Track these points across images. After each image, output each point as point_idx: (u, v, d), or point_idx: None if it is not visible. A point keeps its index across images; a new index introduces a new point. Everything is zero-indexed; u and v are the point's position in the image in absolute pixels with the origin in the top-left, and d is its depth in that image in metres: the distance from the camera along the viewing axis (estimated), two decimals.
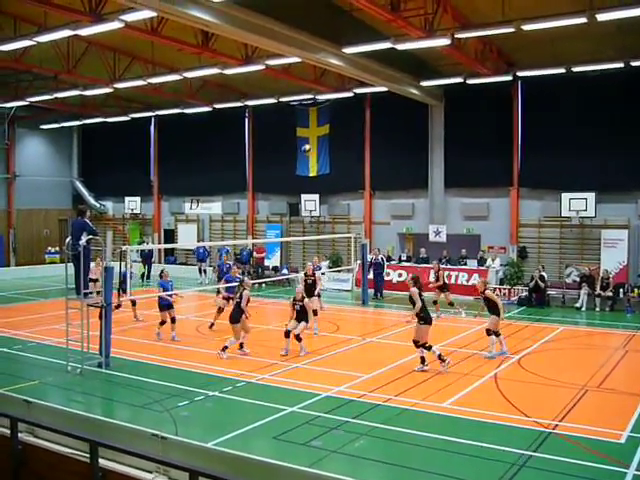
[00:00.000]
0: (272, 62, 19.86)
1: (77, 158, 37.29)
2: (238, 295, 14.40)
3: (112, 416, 10.16)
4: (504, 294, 22.73)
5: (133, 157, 34.23)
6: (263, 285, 26.54)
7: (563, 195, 22.45)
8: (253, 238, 30.47)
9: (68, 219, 33.50)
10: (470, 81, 21.87)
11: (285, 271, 27.55)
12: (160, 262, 32.17)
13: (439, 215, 25.57)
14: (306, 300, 14.66)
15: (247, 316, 14.44)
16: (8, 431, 5.84)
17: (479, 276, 22.57)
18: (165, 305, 15.87)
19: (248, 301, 14.28)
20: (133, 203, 34.67)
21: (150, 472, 5.16)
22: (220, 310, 17.12)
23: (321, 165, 28.18)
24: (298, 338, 14.27)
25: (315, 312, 17.04)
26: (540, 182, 23.46)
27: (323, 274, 25.58)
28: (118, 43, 21.30)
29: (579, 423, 9.90)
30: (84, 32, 16.30)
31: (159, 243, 34.03)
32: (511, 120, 23.97)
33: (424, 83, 22.82)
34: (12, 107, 30.82)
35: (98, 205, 36.10)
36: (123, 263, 15.40)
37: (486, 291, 14.76)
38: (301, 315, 14.45)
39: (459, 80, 21.93)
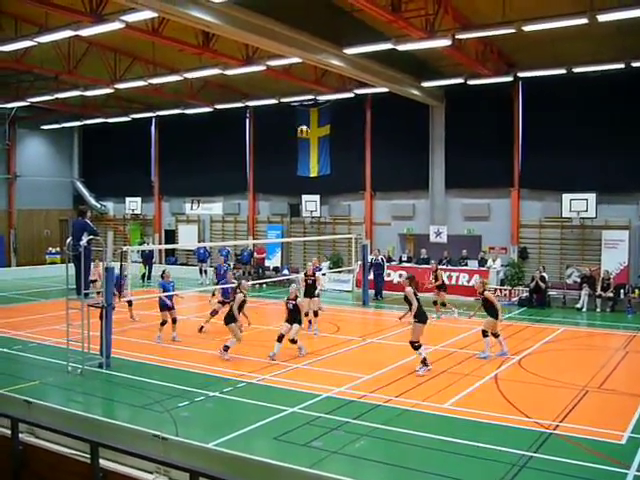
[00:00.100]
0: (273, 63, 19.87)
1: (78, 158, 37.35)
2: (231, 298, 14.37)
3: (113, 417, 10.15)
4: (505, 295, 22.75)
5: (134, 157, 34.24)
6: (264, 286, 26.55)
7: (564, 196, 22.45)
8: (254, 239, 30.48)
9: (69, 219, 33.49)
10: (471, 82, 21.86)
11: (286, 272, 27.54)
12: (161, 263, 32.18)
13: (440, 216, 25.56)
14: (299, 299, 14.41)
15: (249, 322, 14.40)
16: (9, 431, 5.84)
17: (479, 277, 22.58)
18: (166, 306, 15.87)
19: (241, 304, 14.09)
20: (134, 203, 34.69)
21: (151, 473, 5.16)
22: (214, 313, 17.09)
23: (322, 166, 28.20)
24: (293, 342, 14.11)
25: (316, 313, 17.05)
26: (541, 183, 23.47)
27: (324, 274, 25.60)
28: (119, 44, 21.32)
29: (580, 424, 9.90)
30: (85, 32, 16.31)
31: (160, 244, 34.04)
32: (512, 121, 23.98)
33: (425, 84, 22.83)
34: (13, 107, 30.84)
35: (99, 205, 36.12)
36: (118, 264, 15.32)
37: (485, 292, 14.73)
38: (293, 314, 14.19)
39: (460, 81, 21.93)
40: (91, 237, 13.53)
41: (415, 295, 12.96)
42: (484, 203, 24.82)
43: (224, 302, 16.83)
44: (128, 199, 34.82)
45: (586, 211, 22.08)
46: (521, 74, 21.93)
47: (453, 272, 23.79)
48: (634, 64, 19.62)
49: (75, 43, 20.37)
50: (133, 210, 34.81)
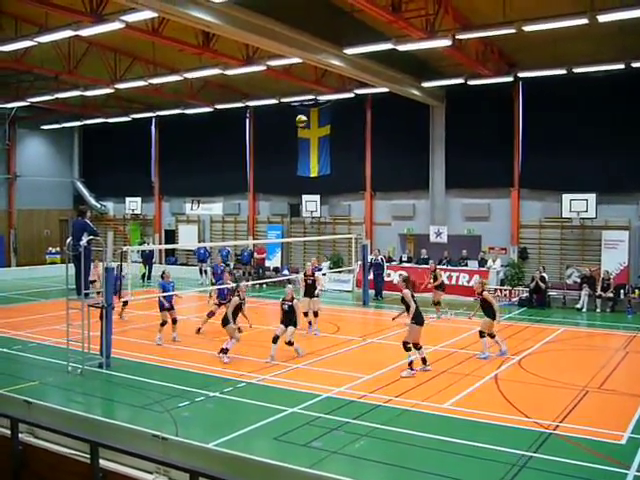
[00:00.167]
0: (273, 63, 19.87)
1: (78, 158, 37.36)
2: (228, 299, 14.32)
3: (113, 417, 10.16)
4: (505, 295, 22.75)
5: (134, 158, 34.24)
6: (264, 286, 26.55)
7: (564, 196, 22.45)
8: (254, 239, 30.48)
9: (69, 219, 33.50)
10: (471, 82, 21.85)
11: (286, 272, 27.54)
12: (161, 263, 32.18)
13: (440, 216, 25.56)
14: (295, 301, 14.27)
15: (250, 324, 14.35)
16: (9, 432, 5.84)
17: (479, 277, 22.57)
18: (165, 306, 15.84)
19: (238, 307, 13.97)
20: (134, 204, 34.69)
21: (150, 473, 5.15)
22: (210, 314, 17.09)
23: (322, 166, 28.20)
24: (290, 344, 14.02)
25: (316, 313, 17.03)
26: (541, 183, 23.47)
27: (324, 275, 25.59)
28: (119, 44, 21.32)
29: (580, 424, 9.90)
30: (85, 32, 16.31)
31: (160, 244, 34.03)
32: (512, 121, 23.98)
33: (425, 84, 22.82)
34: (13, 107, 30.84)
35: (99, 205, 36.12)
36: (117, 265, 15.30)
37: (483, 292, 14.70)
38: (289, 316, 14.05)
39: (460, 81, 21.92)
40: (91, 237, 13.53)
41: (412, 297, 12.95)
42: (484, 203, 24.82)
43: (221, 303, 16.85)
44: (128, 199, 34.82)
45: (586, 211, 22.08)
46: (521, 74, 21.92)
47: (453, 272, 23.79)
48: (634, 64, 19.61)
49: (75, 43, 20.37)
50: (133, 210, 34.81)
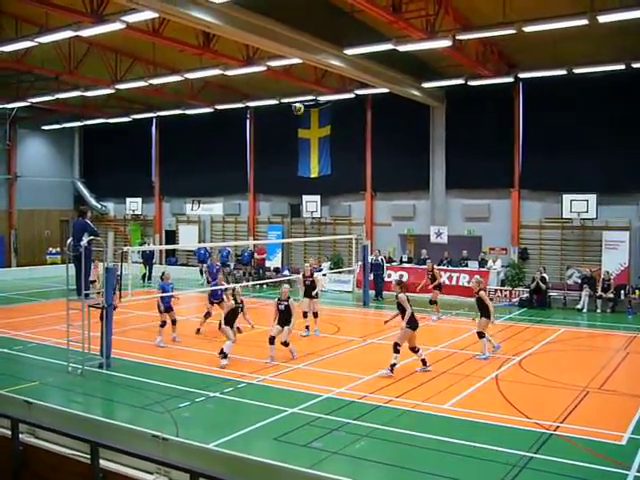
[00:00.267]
0: (273, 63, 19.88)
1: (78, 159, 37.37)
2: (221, 299, 14.25)
3: (113, 417, 10.17)
4: (505, 296, 22.75)
5: (134, 158, 34.24)
6: (264, 286, 26.55)
7: (564, 196, 22.44)
8: (254, 239, 30.47)
9: (69, 220, 33.57)
10: (471, 82, 21.85)
11: (286, 272, 27.55)
12: (161, 263, 32.16)
13: (440, 216, 25.56)
14: (291, 300, 14.16)
15: (251, 325, 14.29)
16: (9, 432, 5.84)
17: (479, 277, 22.56)
18: (165, 307, 15.83)
19: (234, 311, 13.83)
20: (134, 204, 34.69)
21: (151, 473, 5.15)
22: (207, 315, 17.09)
23: (322, 166, 28.20)
24: (285, 344, 13.94)
25: (315, 314, 17.01)
26: (541, 183, 23.46)
27: (324, 275, 25.59)
28: (119, 44, 21.33)
29: (580, 425, 9.90)
30: (85, 33, 16.32)
31: (160, 244, 34.02)
32: (512, 121, 23.98)
33: (425, 84, 22.82)
34: (13, 108, 30.86)
35: (99, 206, 36.11)
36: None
37: (480, 292, 14.71)
38: (285, 316, 13.97)
39: (460, 81, 21.92)
40: (91, 237, 13.53)
41: (408, 301, 12.94)
42: (484, 204, 24.82)
43: (212, 302, 16.86)
44: (129, 199, 34.82)
45: (586, 212, 22.07)
46: (522, 75, 21.91)
47: (453, 273, 23.80)
48: (634, 65, 19.61)
49: (76, 43, 20.38)
50: (134, 210, 34.81)
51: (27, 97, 26.97)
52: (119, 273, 14.36)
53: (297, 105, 17.32)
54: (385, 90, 22.73)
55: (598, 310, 21.02)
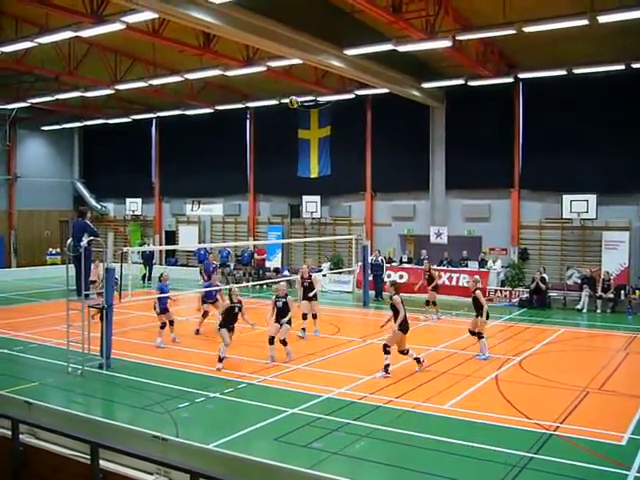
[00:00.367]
0: (273, 64, 19.88)
1: (78, 159, 37.39)
2: (215, 299, 14.17)
3: (113, 417, 10.16)
4: (505, 296, 22.74)
5: (134, 158, 34.25)
6: (264, 287, 26.54)
7: (564, 197, 22.44)
8: (254, 239, 30.47)
9: (69, 220, 33.56)
10: (471, 83, 21.84)
11: (286, 272, 27.54)
12: (161, 264, 32.17)
13: (440, 217, 25.56)
14: (289, 297, 14.20)
15: (252, 325, 14.19)
16: (9, 432, 5.83)
17: (479, 277, 22.56)
18: (162, 309, 15.81)
19: (230, 311, 13.67)
20: (134, 204, 34.68)
21: (151, 474, 5.15)
22: (205, 315, 17.06)
23: (322, 166, 28.21)
24: (284, 342, 13.90)
25: (315, 316, 16.96)
26: (541, 184, 23.46)
27: (324, 276, 25.59)
28: (119, 44, 21.33)
29: (580, 425, 9.90)
30: (85, 33, 16.32)
31: (160, 244, 34.00)
32: (512, 122, 23.99)
33: (425, 85, 22.82)
34: (13, 108, 30.84)
35: (99, 206, 36.11)
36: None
37: (476, 291, 14.73)
38: (283, 313, 13.94)
39: (460, 82, 21.91)
40: (91, 238, 13.53)
41: (402, 303, 12.92)
42: (484, 204, 24.82)
43: (204, 301, 16.84)
44: (128, 200, 34.81)
45: (586, 212, 22.07)
46: (522, 75, 21.91)
47: (454, 273, 23.79)
48: (634, 65, 19.61)
49: (75, 44, 20.38)
50: (133, 211, 34.81)
51: (27, 98, 26.97)
52: (117, 276, 14.35)
53: (293, 98, 17.12)
54: (385, 90, 22.74)
55: (598, 310, 21.02)
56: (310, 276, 17.15)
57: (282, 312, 14.02)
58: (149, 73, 22.94)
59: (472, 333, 14.60)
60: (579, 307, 21.20)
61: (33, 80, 26.16)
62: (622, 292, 21.14)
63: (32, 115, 32.75)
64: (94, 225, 15.06)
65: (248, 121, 30.86)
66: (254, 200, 31.04)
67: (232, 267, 28.74)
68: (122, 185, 34.64)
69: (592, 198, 21.91)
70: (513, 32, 15.42)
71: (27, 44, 17.72)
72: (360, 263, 22.67)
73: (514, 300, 22.44)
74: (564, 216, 22.69)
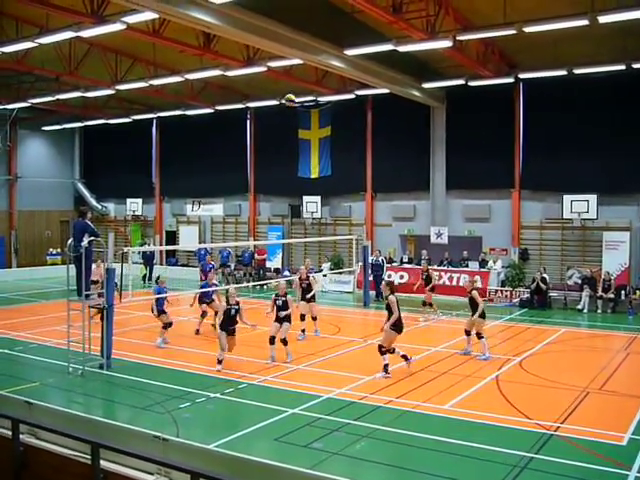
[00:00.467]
0: (274, 64, 19.89)
1: (79, 159, 37.39)
2: (211, 300, 14.14)
3: (113, 418, 10.16)
4: (505, 296, 22.75)
5: (135, 159, 34.25)
6: (264, 287, 26.54)
7: (565, 197, 22.43)
8: (255, 240, 30.47)
9: (70, 220, 33.54)
10: (472, 83, 21.84)
11: (286, 273, 27.52)
12: (162, 264, 32.18)
13: (441, 217, 25.56)
14: (289, 296, 14.21)
15: (252, 325, 14.11)
16: (9, 432, 5.84)
17: (480, 277, 22.61)
18: (159, 310, 15.80)
19: (226, 312, 13.49)
20: (135, 205, 34.69)
21: (151, 474, 5.15)
22: (203, 315, 17.05)
23: (323, 167, 28.21)
24: (284, 342, 13.88)
25: (314, 317, 16.92)
26: (542, 184, 23.45)
27: (325, 276, 25.59)
28: (120, 45, 21.34)
29: (581, 425, 9.90)
30: (86, 34, 16.32)
31: (160, 245, 34.01)
32: (513, 122, 23.98)
33: (426, 85, 22.82)
34: (14, 109, 30.83)
35: (100, 207, 36.12)
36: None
37: (473, 291, 14.73)
38: (282, 311, 13.96)
39: (461, 82, 21.90)
40: (92, 238, 13.52)
41: (398, 303, 12.91)
42: (485, 204, 24.82)
43: (202, 302, 16.84)
44: (129, 200, 34.81)
45: (587, 212, 22.06)
46: (522, 75, 21.90)
47: (454, 273, 23.79)
48: (635, 65, 19.60)
49: (76, 44, 20.38)
50: (134, 211, 34.81)
51: (27, 98, 26.97)
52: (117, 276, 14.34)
53: (289, 95, 16.98)
54: (385, 91, 22.73)
55: (598, 310, 21.01)
56: (308, 277, 17.06)
57: (281, 310, 14.05)
58: (149, 73, 22.95)
59: (468, 333, 14.59)
60: (580, 307, 21.20)
61: (33, 80, 26.18)
62: (622, 292, 21.13)
63: (33, 115, 32.76)
64: (94, 225, 15.04)
65: (248, 121, 30.86)
66: (254, 200, 31.04)
67: (232, 267, 28.75)
68: (123, 185, 34.64)
69: (592, 198, 21.90)
70: (513, 32, 15.42)
71: (27, 44, 17.74)
72: (360, 263, 22.67)
73: (514, 300, 22.44)
74: (564, 216, 22.68)
